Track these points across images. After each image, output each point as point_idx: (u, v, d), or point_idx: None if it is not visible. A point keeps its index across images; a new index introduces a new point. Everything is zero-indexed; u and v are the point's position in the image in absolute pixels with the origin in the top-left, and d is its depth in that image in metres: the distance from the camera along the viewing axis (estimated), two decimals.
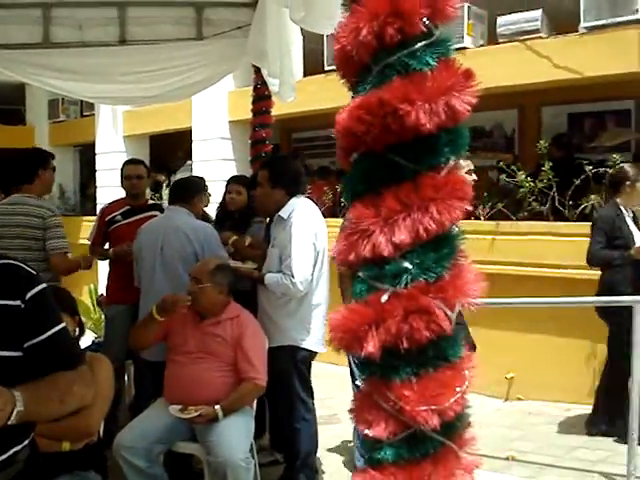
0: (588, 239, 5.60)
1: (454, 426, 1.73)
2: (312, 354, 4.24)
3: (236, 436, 3.71)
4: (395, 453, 1.70)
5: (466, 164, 4.88)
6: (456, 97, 1.66)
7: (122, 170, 5.44)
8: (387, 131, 1.63)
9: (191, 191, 4.84)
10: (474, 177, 4.52)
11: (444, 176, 1.70)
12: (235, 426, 3.75)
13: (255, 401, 4.10)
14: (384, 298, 1.66)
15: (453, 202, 1.69)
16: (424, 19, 1.67)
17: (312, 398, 4.30)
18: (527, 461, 4.96)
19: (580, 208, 6.03)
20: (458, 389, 1.68)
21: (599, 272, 5.35)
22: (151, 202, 6.05)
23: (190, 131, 9.99)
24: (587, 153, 7.06)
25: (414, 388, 1.67)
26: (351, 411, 1.82)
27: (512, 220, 6.44)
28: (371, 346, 1.65)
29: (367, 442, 1.76)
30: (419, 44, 1.68)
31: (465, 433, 1.78)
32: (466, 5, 6.93)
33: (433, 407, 1.65)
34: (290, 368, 4.17)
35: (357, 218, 1.68)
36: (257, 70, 6.01)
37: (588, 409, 5.87)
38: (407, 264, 1.67)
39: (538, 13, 6.63)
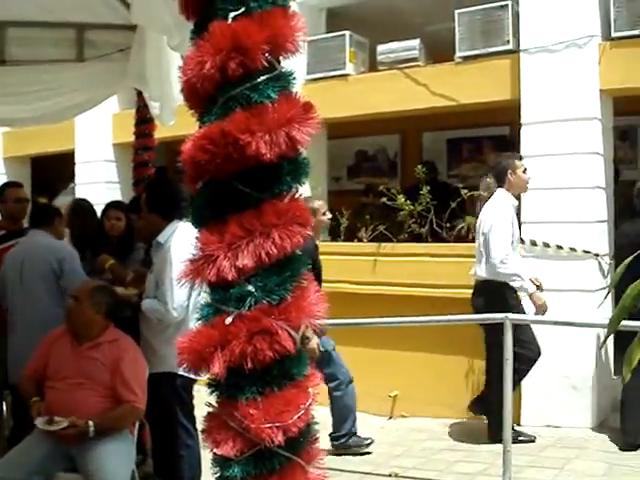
0: (465, 259, 5.87)
1: (299, 442, 1.80)
2: (193, 380, 4.20)
3: (116, 464, 3.67)
4: (243, 470, 1.75)
5: (319, 205, 5.10)
6: (296, 128, 1.74)
7: (0, 193, 5.31)
8: (229, 160, 1.70)
9: (51, 215, 4.84)
10: (329, 216, 4.72)
11: (286, 203, 1.78)
12: (115, 453, 3.70)
13: (136, 428, 4.07)
14: (228, 320, 1.72)
15: (294, 228, 1.76)
16: (266, 54, 1.75)
17: (194, 424, 4.25)
18: (409, 477, 5.05)
19: (457, 229, 6.29)
20: (302, 406, 1.76)
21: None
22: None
23: (73, 153, 9.83)
24: (463, 177, 7.36)
25: (259, 407, 1.73)
26: (202, 431, 1.87)
27: (393, 242, 6.63)
28: (217, 367, 1.71)
29: (217, 460, 1.81)
30: (261, 78, 1.76)
31: (312, 448, 1.86)
32: (347, 33, 7.14)
33: (277, 424, 1.71)
34: (170, 395, 4.14)
35: (203, 244, 1.74)
36: (139, 93, 6.01)
37: (466, 424, 6.11)
38: (251, 287, 1.74)
39: (416, 42, 6.88)
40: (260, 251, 1.71)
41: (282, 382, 1.77)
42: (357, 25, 7.30)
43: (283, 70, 1.81)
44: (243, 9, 1.76)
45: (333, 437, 5.55)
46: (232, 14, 1.75)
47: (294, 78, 1.84)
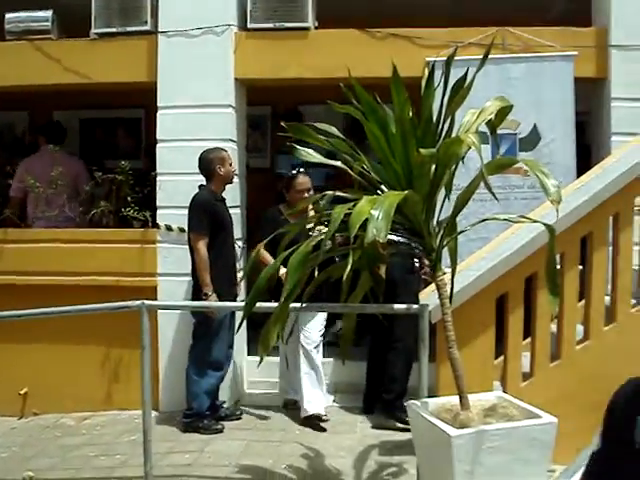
0: (101, 245, 5.66)
1: None
2: None
3: None
4: None
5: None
6: None
7: None
8: None
9: None
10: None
11: None
12: None
13: None
14: None
15: None
16: None
17: None
18: (46, 478, 4.71)
19: (90, 214, 6.03)
20: None
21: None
22: None
23: None
24: (98, 159, 7.07)
25: None
26: None
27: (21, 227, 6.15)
28: None
29: None
30: None
31: None
32: None
33: None
34: None
35: None
36: None
37: (105, 415, 5.92)
38: None
39: (48, 13, 6.40)
40: None
41: None
42: None
43: None
44: None
45: None
46: None
47: None
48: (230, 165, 5.53)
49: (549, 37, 5.66)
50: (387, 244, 3.52)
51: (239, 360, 6.13)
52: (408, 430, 4.19)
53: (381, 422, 5.45)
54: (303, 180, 5.67)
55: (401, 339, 5.34)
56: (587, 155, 5.94)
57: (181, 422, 5.58)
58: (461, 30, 5.73)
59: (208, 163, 5.45)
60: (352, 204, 3.14)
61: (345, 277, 2.98)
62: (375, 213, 2.92)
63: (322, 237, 3.28)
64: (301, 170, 5.69)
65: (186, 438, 5.38)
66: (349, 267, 2.89)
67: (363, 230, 2.90)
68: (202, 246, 5.27)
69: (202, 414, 5.51)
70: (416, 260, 5.41)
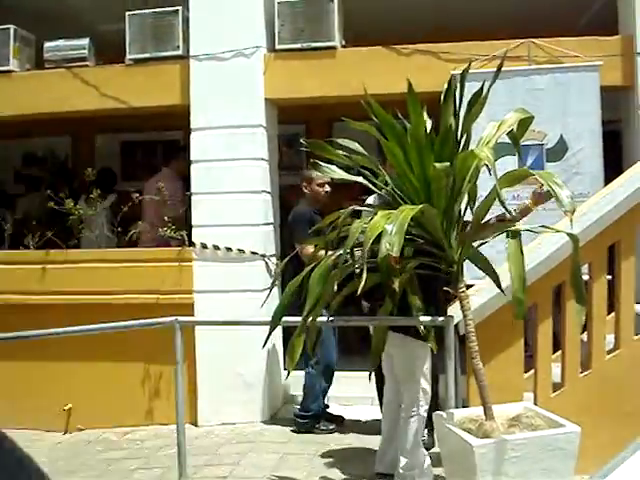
0: (138, 264, 5.82)
1: None
2: None
3: None
4: None
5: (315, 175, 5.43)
6: None
7: None
8: None
9: None
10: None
11: None
12: None
13: None
14: None
15: None
16: None
17: None
18: None
19: (129, 234, 6.20)
20: None
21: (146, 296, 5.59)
22: None
23: None
24: (139, 180, 7.27)
25: None
26: None
27: (63, 248, 6.34)
28: None
29: None
30: None
31: None
32: (12, 27, 6.69)
33: None
34: None
35: None
36: None
37: (147, 430, 6.05)
38: None
39: (85, 41, 6.66)
40: None
41: None
42: (24, 20, 6.85)
43: None
44: None
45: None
46: None
47: None
48: (319, 185, 5.68)
49: (574, 47, 5.67)
50: (409, 257, 3.58)
51: (276, 374, 6.23)
52: None
53: None
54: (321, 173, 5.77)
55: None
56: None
57: (296, 423, 5.78)
58: (487, 44, 5.77)
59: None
60: (369, 219, 3.22)
61: (360, 292, 3.04)
62: (389, 228, 2.98)
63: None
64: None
65: (224, 451, 5.48)
66: (363, 282, 2.95)
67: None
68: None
69: (319, 415, 5.73)
70: None
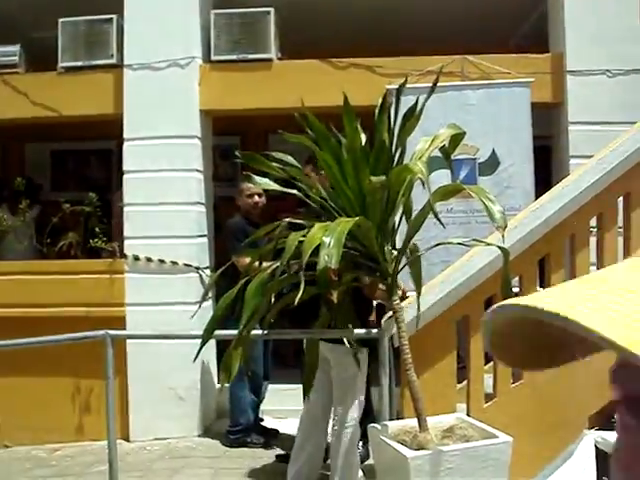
0: (71, 276, 5.68)
1: None
2: None
3: None
4: None
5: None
6: None
7: None
8: None
9: None
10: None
11: None
12: None
13: None
14: None
15: None
16: None
17: None
18: None
19: (59, 246, 6.05)
20: None
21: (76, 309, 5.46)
22: None
23: None
24: (70, 191, 7.12)
25: None
26: None
27: None
28: None
29: None
30: None
31: None
32: None
33: None
34: None
35: None
36: None
37: (77, 446, 5.90)
38: None
39: (16, 48, 6.49)
40: None
41: None
42: None
43: None
44: None
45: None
46: None
47: None
48: (248, 197, 5.58)
49: (507, 64, 5.80)
50: (341, 270, 3.59)
51: (210, 387, 6.15)
52: None
53: None
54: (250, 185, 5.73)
55: None
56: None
57: (227, 438, 5.69)
58: (422, 59, 5.85)
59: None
60: (306, 231, 3.21)
61: (296, 304, 3.03)
62: (327, 240, 2.98)
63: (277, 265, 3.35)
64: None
65: (157, 466, 5.38)
66: (300, 294, 2.95)
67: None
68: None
69: (249, 428, 5.64)
70: None
